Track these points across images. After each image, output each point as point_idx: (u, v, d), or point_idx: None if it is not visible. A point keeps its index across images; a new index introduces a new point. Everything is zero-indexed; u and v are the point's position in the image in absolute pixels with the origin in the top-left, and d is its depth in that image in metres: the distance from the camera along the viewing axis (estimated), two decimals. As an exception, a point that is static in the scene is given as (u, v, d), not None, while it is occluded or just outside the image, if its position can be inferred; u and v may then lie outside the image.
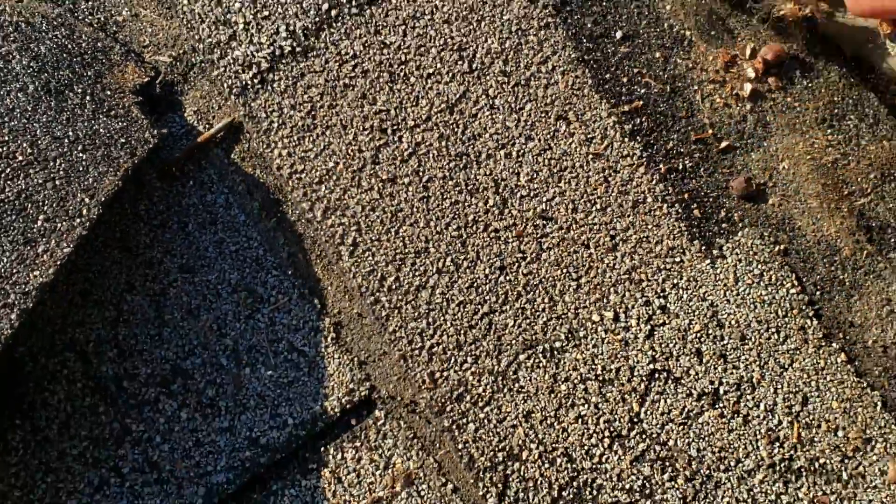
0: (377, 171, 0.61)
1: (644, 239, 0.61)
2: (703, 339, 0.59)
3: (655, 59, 0.63)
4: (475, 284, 0.60)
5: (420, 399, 0.57)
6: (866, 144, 0.63)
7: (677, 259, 0.61)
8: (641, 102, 0.62)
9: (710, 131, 0.63)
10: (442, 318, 0.59)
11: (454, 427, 0.56)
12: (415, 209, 0.61)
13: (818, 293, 0.60)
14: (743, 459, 0.57)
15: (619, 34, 0.63)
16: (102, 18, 0.62)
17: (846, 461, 0.58)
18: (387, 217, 0.60)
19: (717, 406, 0.58)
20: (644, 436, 0.57)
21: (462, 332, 0.58)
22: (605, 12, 0.64)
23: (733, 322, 0.60)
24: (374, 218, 0.60)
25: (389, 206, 0.61)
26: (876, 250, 0.61)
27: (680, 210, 0.61)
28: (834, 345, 0.59)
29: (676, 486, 0.56)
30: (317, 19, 0.62)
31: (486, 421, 0.57)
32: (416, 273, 0.60)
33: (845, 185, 0.62)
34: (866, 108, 0.64)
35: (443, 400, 0.57)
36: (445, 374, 0.58)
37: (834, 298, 0.60)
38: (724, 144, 0.62)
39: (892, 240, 0.62)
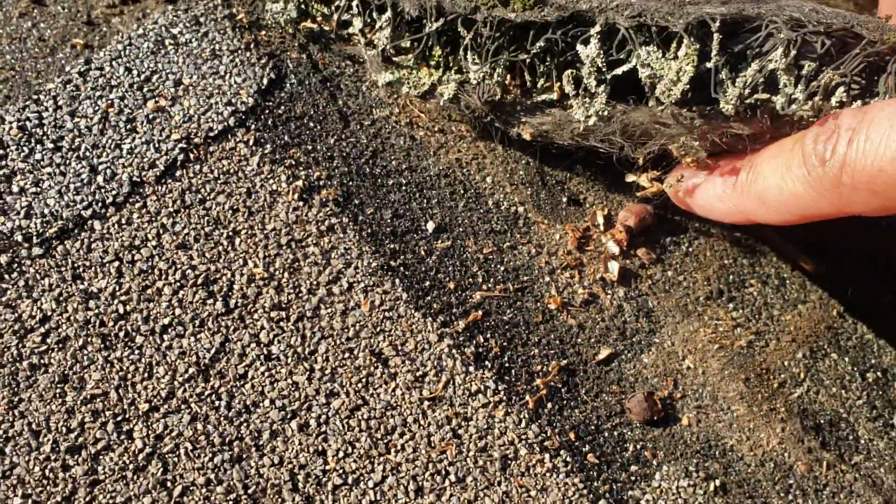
0: (96, 497, 0.39)
1: (528, 513, 0.42)
2: None
3: (486, 251, 0.47)
4: None
5: None
6: (780, 314, 0.49)
7: (584, 536, 0.42)
8: (481, 313, 0.46)
9: (581, 336, 0.46)
10: None
11: None
12: (166, 547, 0.39)
13: (787, 540, 0.43)
14: None
15: (430, 225, 0.47)
16: None
17: None
18: (120, 571, 0.38)
19: None
20: None
21: None
22: (406, 199, 0.48)
23: None
24: (97, 578, 0.38)
25: (123, 552, 0.38)
26: (835, 457, 0.46)
27: (569, 459, 0.43)
28: None
29: None
30: (-28, 275, 0.42)
31: None
32: None
33: (772, 375, 0.47)
34: (764, 266, 0.50)
35: None
36: None
37: (807, 542, 0.44)
38: (604, 353, 0.46)
39: (849, 436, 0.47)
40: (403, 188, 0.48)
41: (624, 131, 0.45)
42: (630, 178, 0.48)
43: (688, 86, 0.41)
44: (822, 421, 0.47)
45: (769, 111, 0.41)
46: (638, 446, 0.44)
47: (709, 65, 0.41)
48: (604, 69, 0.43)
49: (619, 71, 0.42)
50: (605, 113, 0.43)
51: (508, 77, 0.47)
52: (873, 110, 0.36)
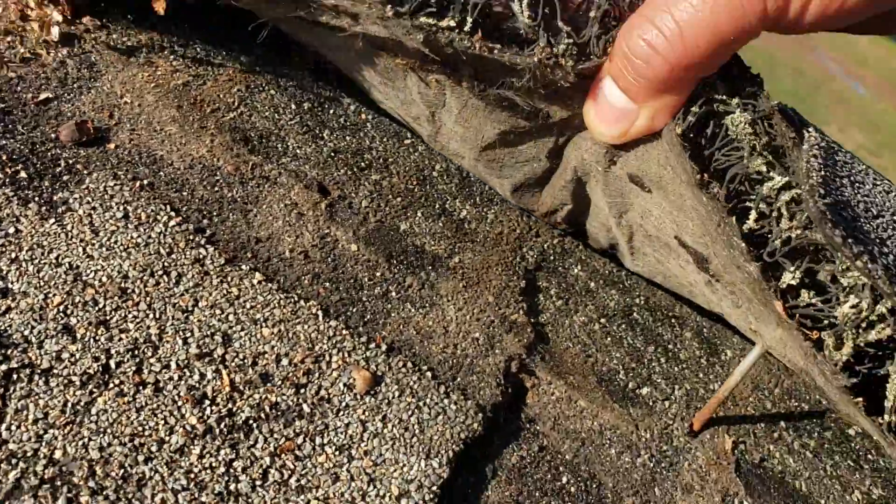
0: None
1: (-40, 222, 0.49)
2: (69, 312, 0.47)
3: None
4: None
5: None
6: (222, 62, 0.59)
7: (11, 231, 0.49)
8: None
9: (21, 85, 0.54)
10: None
11: None
12: None
13: (206, 219, 0.53)
14: (167, 438, 0.45)
15: None
16: None
17: (302, 391, 0.48)
18: None
19: (111, 384, 0.46)
20: (20, 459, 0.42)
21: None
22: None
23: (105, 279, 0.49)
24: None
25: None
26: (263, 159, 0.56)
27: (1, 177, 0.50)
28: (244, 266, 0.52)
29: None
30: None
31: None
32: None
33: (206, 104, 0.57)
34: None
35: None
36: None
37: (228, 219, 0.53)
38: (43, 96, 0.54)
39: (278, 145, 0.58)
40: None
41: None
42: None
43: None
44: (252, 135, 0.57)
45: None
46: (70, 162, 0.52)
47: None
48: None
49: None
50: None
51: None
52: None
